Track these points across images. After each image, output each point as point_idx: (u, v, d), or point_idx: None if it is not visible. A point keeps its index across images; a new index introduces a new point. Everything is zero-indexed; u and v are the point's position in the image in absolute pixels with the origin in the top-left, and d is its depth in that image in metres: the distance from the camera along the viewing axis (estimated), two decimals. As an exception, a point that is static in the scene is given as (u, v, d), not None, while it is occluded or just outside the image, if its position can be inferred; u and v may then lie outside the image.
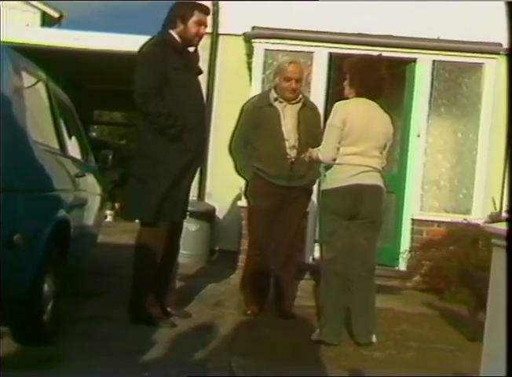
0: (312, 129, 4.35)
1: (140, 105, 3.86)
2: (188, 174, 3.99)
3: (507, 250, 2.47)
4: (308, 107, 4.46)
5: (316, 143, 4.00)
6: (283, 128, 4.32)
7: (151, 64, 3.87)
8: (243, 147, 4.40)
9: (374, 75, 3.86)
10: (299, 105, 4.39)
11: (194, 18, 3.97)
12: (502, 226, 2.75)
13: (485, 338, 2.76)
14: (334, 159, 3.81)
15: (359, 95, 3.86)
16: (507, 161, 6.18)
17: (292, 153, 4.30)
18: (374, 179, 3.83)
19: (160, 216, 3.89)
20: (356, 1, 6.40)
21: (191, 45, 4.06)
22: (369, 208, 3.80)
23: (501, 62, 6.16)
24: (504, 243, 2.67)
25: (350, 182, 3.76)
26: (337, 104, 3.89)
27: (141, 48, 3.96)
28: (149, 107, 3.84)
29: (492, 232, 2.89)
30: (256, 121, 4.34)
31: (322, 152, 3.88)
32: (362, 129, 3.79)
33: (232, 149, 4.45)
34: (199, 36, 4.04)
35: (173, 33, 3.98)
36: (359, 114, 3.82)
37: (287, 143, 4.31)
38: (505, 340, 2.40)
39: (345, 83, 3.94)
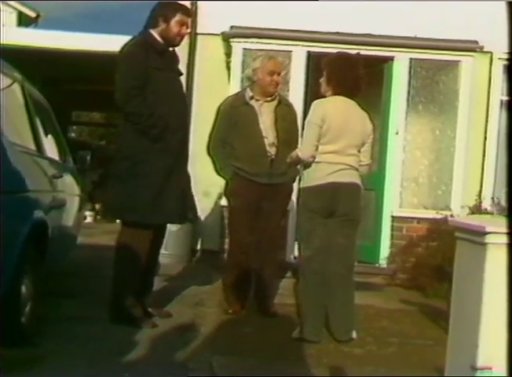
0: (289, 126, 4.37)
1: (122, 105, 3.85)
2: (174, 176, 3.94)
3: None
4: (283, 104, 4.48)
5: (294, 140, 4.01)
6: (261, 126, 4.32)
7: (132, 64, 3.86)
8: (221, 147, 4.39)
9: (352, 73, 3.88)
10: (275, 103, 4.41)
11: (176, 18, 3.97)
12: (467, 220, 2.82)
13: (450, 331, 2.80)
14: (314, 157, 3.83)
15: (336, 93, 3.87)
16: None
17: (271, 151, 4.31)
18: (352, 177, 3.84)
19: (148, 218, 3.86)
20: (333, 1, 6.42)
21: (172, 45, 4.07)
22: (346, 206, 3.81)
23: (477, 59, 6.24)
24: (467, 236, 2.72)
25: (327, 180, 3.77)
26: (315, 102, 3.90)
27: (122, 48, 3.95)
28: (131, 108, 3.83)
29: (455, 226, 2.94)
30: (233, 120, 4.35)
31: (301, 150, 3.90)
32: (340, 128, 3.80)
33: (211, 150, 4.44)
34: (181, 36, 4.04)
35: (155, 33, 3.97)
36: (337, 112, 3.83)
37: (265, 140, 4.31)
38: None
39: (322, 80, 3.95)
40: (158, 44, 3.96)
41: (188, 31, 4.24)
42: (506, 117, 6.24)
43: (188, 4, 4.98)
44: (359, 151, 3.88)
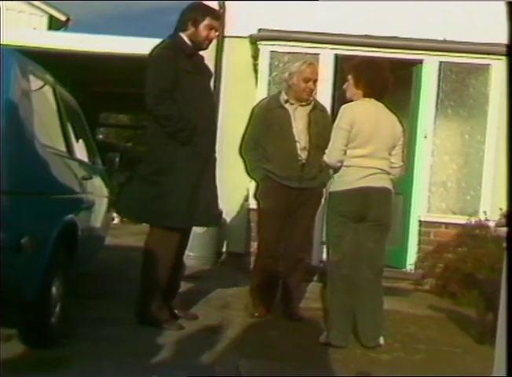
0: (322, 131, 4.35)
1: (152, 108, 3.86)
2: (203, 179, 3.94)
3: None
4: (318, 109, 4.45)
5: (326, 145, 3.98)
6: (294, 130, 4.31)
7: (162, 67, 3.88)
8: (253, 149, 4.39)
9: (379, 75, 3.86)
10: (310, 107, 4.39)
11: (205, 22, 3.98)
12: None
13: (497, 340, 2.73)
14: (341, 162, 3.80)
15: (366, 96, 3.84)
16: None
17: (303, 155, 4.30)
18: (383, 181, 3.81)
19: (179, 221, 3.88)
20: (362, 3, 6.39)
21: (201, 49, 4.08)
22: (377, 211, 3.78)
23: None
24: None
25: (358, 185, 3.74)
26: (343, 106, 3.88)
27: (152, 51, 3.98)
28: (160, 111, 3.85)
29: (503, 236, 2.87)
30: (266, 123, 4.34)
31: (328, 155, 3.87)
32: (370, 131, 3.77)
33: (243, 151, 4.44)
34: (209, 40, 4.06)
35: (184, 36, 3.99)
36: (366, 115, 3.81)
37: (297, 144, 4.30)
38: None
39: (347, 85, 3.92)
40: (187, 47, 3.98)
41: (217, 34, 4.25)
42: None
43: (215, 4, 4.99)
44: (390, 155, 3.85)
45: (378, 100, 3.87)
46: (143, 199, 3.95)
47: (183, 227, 3.94)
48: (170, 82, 3.84)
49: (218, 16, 4.17)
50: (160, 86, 3.84)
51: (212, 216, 4.09)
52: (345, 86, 3.96)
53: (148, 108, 3.88)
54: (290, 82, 4.37)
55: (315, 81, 4.38)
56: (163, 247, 3.90)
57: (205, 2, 4.27)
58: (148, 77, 3.89)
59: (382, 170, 3.80)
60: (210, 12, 4.08)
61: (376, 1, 6.37)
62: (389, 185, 3.85)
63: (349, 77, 3.90)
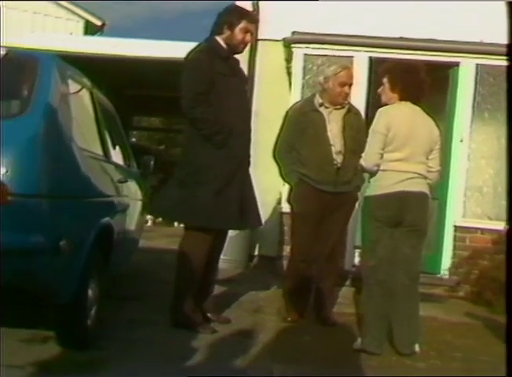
0: (356, 134, 4.31)
1: (187, 111, 3.88)
2: (236, 181, 3.95)
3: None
4: (352, 112, 4.42)
5: (361, 149, 3.95)
6: (329, 133, 4.29)
7: (198, 70, 3.89)
8: (287, 152, 4.37)
9: (415, 78, 3.82)
10: (344, 111, 4.36)
11: (241, 25, 3.99)
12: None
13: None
14: (377, 166, 3.77)
15: (401, 99, 3.80)
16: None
17: (338, 159, 4.27)
18: (420, 186, 3.76)
19: (211, 223, 3.89)
20: (397, 5, 6.32)
21: (236, 52, 4.09)
22: (414, 216, 3.73)
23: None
24: None
25: (395, 189, 3.70)
26: (380, 109, 3.84)
27: (188, 54, 4.00)
28: (196, 114, 3.86)
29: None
30: (301, 126, 4.32)
31: (364, 159, 3.84)
32: (406, 135, 3.73)
33: (277, 155, 4.43)
34: (245, 43, 4.06)
35: (220, 39, 4.00)
36: (403, 119, 3.76)
37: (332, 148, 4.27)
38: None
39: (383, 89, 3.88)
40: (222, 50, 3.99)
41: (252, 37, 4.25)
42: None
43: (248, 5, 4.96)
44: (427, 159, 3.80)
45: (414, 103, 3.82)
46: (177, 199, 3.96)
47: (215, 228, 3.93)
48: (205, 85, 3.85)
49: (254, 19, 4.20)
50: (196, 89, 3.85)
51: (243, 219, 4.04)
52: (380, 90, 3.92)
53: (184, 111, 3.90)
54: (325, 85, 4.34)
55: (350, 85, 4.34)
56: (197, 249, 3.92)
57: (239, 3, 4.28)
58: (183, 80, 3.91)
59: (419, 174, 3.75)
60: (245, 15, 4.09)
61: (411, 3, 6.30)
62: (426, 190, 3.79)
63: (385, 80, 3.86)
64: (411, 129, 3.75)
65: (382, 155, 3.75)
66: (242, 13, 4.08)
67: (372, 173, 3.84)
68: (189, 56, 3.98)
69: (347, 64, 4.61)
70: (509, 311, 2.25)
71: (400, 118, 3.76)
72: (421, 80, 3.83)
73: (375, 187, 3.78)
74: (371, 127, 3.83)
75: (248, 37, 4.06)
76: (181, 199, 3.94)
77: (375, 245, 3.76)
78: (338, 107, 4.34)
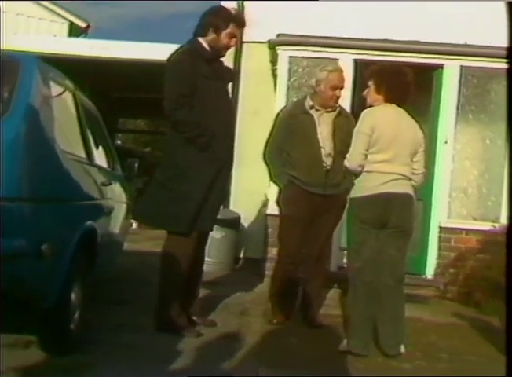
0: (346, 137, 4.30)
1: (170, 114, 3.84)
2: (217, 184, 3.93)
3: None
4: (342, 115, 4.42)
5: None
6: (319, 136, 4.28)
7: (180, 72, 3.85)
8: (278, 154, 4.36)
9: (401, 80, 3.83)
10: (335, 113, 4.36)
11: (228, 30, 3.92)
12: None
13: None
14: (361, 167, 3.77)
15: (387, 101, 3.81)
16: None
17: (328, 161, 4.26)
18: (404, 187, 3.77)
19: (190, 226, 3.86)
20: (381, 7, 6.35)
21: (219, 56, 4.04)
22: (399, 217, 3.74)
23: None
24: None
25: (380, 190, 3.70)
26: (365, 111, 3.85)
27: (171, 56, 3.95)
28: (178, 116, 3.83)
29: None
30: (291, 128, 4.32)
31: (348, 159, 3.85)
32: (391, 136, 3.74)
33: (267, 156, 4.42)
34: (228, 48, 4.02)
35: (203, 41, 3.95)
36: (387, 120, 3.77)
37: (322, 151, 4.27)
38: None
39: (368, 91, 3.89)
40: (206, 52, 3.94)
41: (237, 42, 4.16)
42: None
43: (234, 5, 4.91)
44: (411, 161, 3.81)
45: (399, 105, 3.83)
46: (158, 203, 3.94)
47: (187, 231, 3.87)
48: (188, 87, 3.81)
49: (242, 23, 4.08)
50: (178, 92, 3.81)
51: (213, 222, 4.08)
52: (365, 92, 3.93)
53: (166, 114, 3.86)
54: (317, 88, 4.33)
55: (341, 88, 4.34)
56: (180, 253, 3.89)
57: (224, 3, 4.22)
58: (166, 82, 3.87)
59: (403, 175, 3.75)
60: (233, 18, 3.98)
61: (396, 5, 6.32)
62: (410, 191, 3.80)
63: (370, 83, 3.87)
64: (395, 130, 3.76)
65: (365, 156, 3.76)
66: (229, 17, 3.98)
67: (356, 174, 3.84)
68: (172, 58, 3.94)
69: (339, 67, 4.57)
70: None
71: (385, 120, 3.77)
72: (406, 82, 3.84)
73: (360, 188, 3.78)
74: (356, 128, 3.84)
75: (233, 42, 4.01)
76: (161, 204, 3.91)
77: (361, 247, 3.77)
78: (329, 109, 4.34)
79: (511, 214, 2.28)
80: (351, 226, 3.88)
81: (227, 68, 4.19)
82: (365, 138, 3.73)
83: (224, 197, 4.09)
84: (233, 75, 4.25)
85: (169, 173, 3.93)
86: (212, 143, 3.85)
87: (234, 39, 4.01)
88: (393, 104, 3.82)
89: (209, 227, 4.06)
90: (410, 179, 3.80)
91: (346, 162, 3.86)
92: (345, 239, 6.14)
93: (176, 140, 3.92)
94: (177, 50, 3.98)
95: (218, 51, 3.98)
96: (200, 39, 3.97)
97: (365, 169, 3.76)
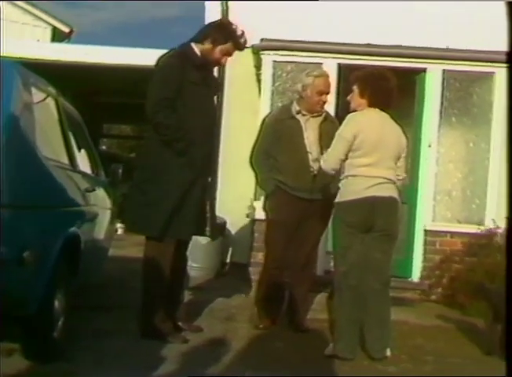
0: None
1: (151, 116, 3.81)
2: (195, 190, 3.87)
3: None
4: (329, 120, 4.43)
5: None
6: (306, 141, 4.29)
7: (166, 75, 3.83)
8: (264, 159, 4.36)
9: (384, 85, 3.85)
10: (321, 118, 4.37)
11: (225, 46, 3.90)
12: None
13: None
14: (335, 170, 3.80)
15: (371, 105, 3.82)
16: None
17: (315, 166, 4.26)
18: (389, 191, 3.78)
19: (162, 231, 3.81)
20: (364, 12, 6.39)
21: (208, 65, 4.03)
22: (384, 221, 3.75)
23: (512, 70, 6.11)
24: None
25: (365, 194, 3.71)
26: (349, 115, 3.86)
27: (159, 59, 3.93)
28: (159, 118, 3.79)
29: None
30: (278, 133, 4.31)
31: (324, 160, 3.86)
32: (375, 140, 3.75)
33: (254, 162, 4.41)
34: (219, 64, 4.01)
35: (196, 48, 3.93)
36: (372, 125, 3.79)
37: (309, 156, 4.28)
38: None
39: (352, 96, 3.90)
40: (196, 58, 3.91)
41: (227, 60, 4.10)
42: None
43: (218, 5, 4.86)
44: (395, 164, 3.83)
45: (382, 110, 3.85)
46: (132, 207, 3.92)
47: (162, 236, 3.82)
48: (172, 90, 3.79)
49: (241, 46, 4.02)
50: (161, 94, 3.79)
51: (199, 228, 3.95)
52: (349, 97, 3.94)
53: (147, 115, 3.82)
54: (303, 94, 4.34)
55: (327, 93, 4.35)
56: (160, 259, 3.85)
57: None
58: (151, 84, 3.84)
59: (387, 179, 3.77)
60: (235, 39, 3.93)
61: (379, 10, 6.36)
62: (395, 195, 3.82)
63: (354, 87, 3.88)
64: (379, 134, 3.77)
65: (342, 161, 3.77)
66: (232, 35, 3.93)
67: (328, 176, 3.81)
68: (160, 61, 3.91)
69: (325, 72, 4.58)
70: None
71: (369, 124, 3.78)
72: (389, 87, 3.87)
73: (345, 193, 3.79)
74: (338, 132, 3.85)
75: (225, 59, 4.00)
76: (135, 207, 3.89)
77: (346, 251, 3.77)
78: (315, 114, 4.35)
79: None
80: (337, 230, 3.89)
81: (215, 78, 4.18)
82: (345, 143, 3.75)
83: (203, 206, 3.97)
84: (219, 85, 4.22)
85: (143, 176, 3.90)
86: (190, 148, 3.81)
87: (226, 57, 3.98)
88: (377, 109, 3.83)
89: (184, 234, 3.94)
90: (394, 182, 3.81)
91: (322, 163, 3.88)
92: (332, 243, 6.21)
93: (154, 142, 3.88)
94: (166, 53, 3.95)
95: (208, 62, 3.97)
96: (193, 45, 3.94)
97: (350, 173, 3.77)
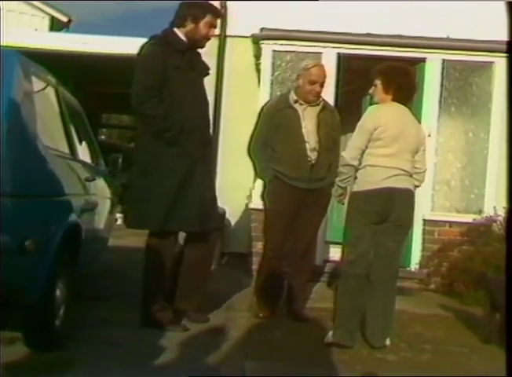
0: (331, 131, 4.33)
1: (137, 107, 3.75)
2: (193, 180, 3.81)
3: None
4: (327, 109, 4.42)
5: (335, 146, 3.94)
6: (304, 130, 4.28)
7: (148, 64, 3.77)
8: (262, 149, 4.35)
9: (409, 81, 3.89)
10: (319, 108, 4.35)
11: (206, 19, 3.89)
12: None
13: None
14: (355, 160, 3.77)
15: (395, 100, 3.83)
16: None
17: (312, 155, 4.26)
18: (406, 182, 3.79)
19: (161, 224, 3.77)
20: (364, 1, 6.37)
21: (197, 47, 3.99)
22: (400, 212, 3.76)
23: (512, 60, 6.10)
24: None
25: (382, 185, 3.71)
26: (370, 107, 3.91)
27: (141, 47, 3.87)
28: (146, 110, 3.73)
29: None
30: (276, 123, 4.30)
31: (346, 151, 3.85)
32: (395, 132, 3.75)
33: (251, 151, 4.40)
34: (208, 38, 3.99)
35: (179, 32, 3.89)
36: (392, 117, 3.79)
37: (307, 145, 4.26)
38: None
39: (375, 90, 3.89)
40: (180, 43, 3.86)
41: (216, 32, 4.15)
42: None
43: (217, 4, 4.94)
44: (413, 158, 3.83)
45: (403, 104, 3.87)
46: (131, 203, 3.90)
47: (159, 230, 3.79)
48: (156, 79, 3.72)
49: (219, 13, 4.08)
50: (145, 84, 3.72)
51: (202, 220, 3.85)
52: (371, 91, 3.94)
53: (133, 107, 3.77)
54: (297, 83, 4.34)
55: (322, 83, 4.32)
56: (161, 249, 3.85)
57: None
58: (134, 74, 3.78)
59: (405, 171, 3.77)
60: (211, 9, 3.99)
61: (378, 0, 6.34)
62: (411, 187, 3.83)
63: (378, 82, 3.87)
64: (399, 127, 3.77)
65: (363, 152, 3.76)
66: (207, 7, 3.98)
67: (348, 167, 3.80)
68: (141, 50, 3.85)
69: (318, 62, 4.56)
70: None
71: (390, 116, 3.79)
72: (413, 83, 3.93)
73: (363, 183, 3.78)
74: (359, 123, 3.83)
75: (212, 31, 3.97)
76: (132, 202, 3.88)
77: (358, 240, 3.77)
78: (313, 104, 4.34)
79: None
80: (350, 219, 3.83)
81: (203, 62, 4.12)
82: (366, 134, 3.75)
83: (204, 194, 3.89)
84: (208, 69, 4.15)
85: (139, 169, 3.85)
86: (181, 137, 3.75)
87: (213, 29, 3.97)
88: (398, 103, 3.84)
89: (187, 226, 3.86)
90: (411, 175, 3.82)
91: (343, 153, 3.87)
92: (331, 232, 6.22)
93: (144, 134, 3.84)
94: (147, 41, 3.88)
95: (197, 41, 3.92)
96: (176, 30, 3.89)
97: (369, 163, 3.76)
